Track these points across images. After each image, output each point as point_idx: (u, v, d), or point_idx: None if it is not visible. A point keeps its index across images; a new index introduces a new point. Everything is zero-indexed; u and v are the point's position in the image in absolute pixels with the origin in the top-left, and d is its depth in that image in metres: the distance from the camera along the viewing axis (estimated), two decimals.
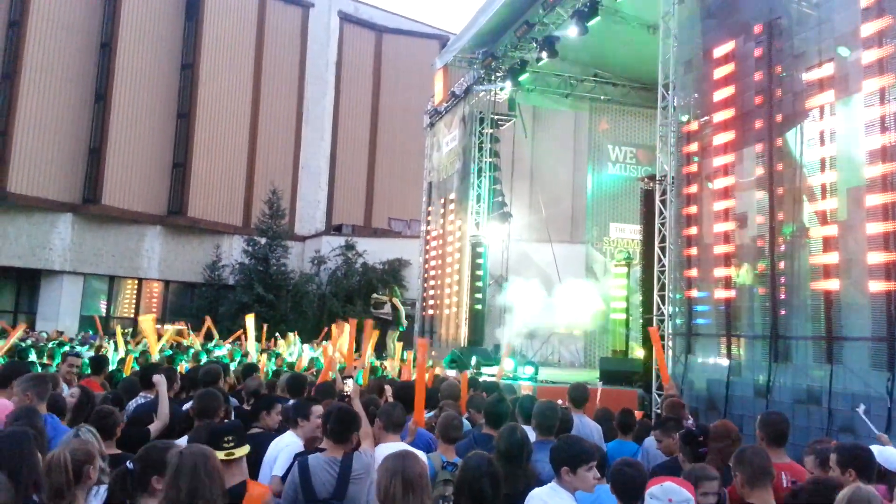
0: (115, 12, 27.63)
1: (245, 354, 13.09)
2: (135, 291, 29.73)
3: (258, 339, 14.93)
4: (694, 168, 10.80)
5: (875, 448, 3.99)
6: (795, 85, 8.97)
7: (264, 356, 11.53)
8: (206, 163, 29.78)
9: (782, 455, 4.29)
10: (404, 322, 17.04)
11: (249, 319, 13.91)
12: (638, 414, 6.95)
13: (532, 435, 4.70)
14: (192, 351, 12.19)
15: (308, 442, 4.60)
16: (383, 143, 34.96)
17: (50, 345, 13.48)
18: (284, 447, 4.51)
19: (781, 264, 8.94)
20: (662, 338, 10.91)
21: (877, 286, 7.45)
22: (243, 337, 15.87)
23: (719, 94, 10.25)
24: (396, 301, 16.68)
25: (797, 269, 8.66)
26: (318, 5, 34.25)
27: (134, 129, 27.94)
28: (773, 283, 8.94)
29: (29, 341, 15.10)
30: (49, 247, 26.46)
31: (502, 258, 19.52)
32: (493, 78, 18.87)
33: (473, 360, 14.36)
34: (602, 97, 19.62)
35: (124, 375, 8.44)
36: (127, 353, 10.93)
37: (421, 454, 4.29)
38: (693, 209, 10.69)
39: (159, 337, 12.16)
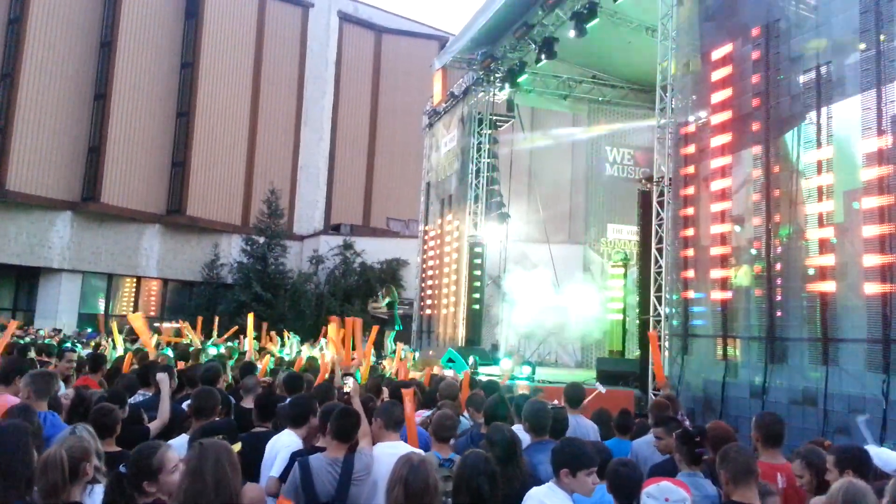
0: (115, 11, 27.66)
1: (243, 353, 13.10)
2: (133, 289, 29.77)
3: (257, 339, 14.94)
4: (691, 170, 10.83)
5: (872, 449, 4.02)
6: (792, 88, 9.01)
7: (267, 356, 11.53)
8: (205, 162, 29.82)
9: (778, 456, 4.32)
10: (400, 323, 17.06)
11: (250, 318, 13.92)
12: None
13: (526, 436, 4.74)
14: (191, 349, 12.22)
15: (306, 441, 4.62)
16: (382, 143, 35.01)
17: (47, 341, 13.52)
18: (283, 447, 4.49)
19: (778, 266, 8.97)
20: (659, 338, 10.96)
21: (872, 288, 7.48)
22: (241, 335, 15.90)
23: (717, 97, 10.29)
24: (393, 301, 16.70)
25: (793, 270, 8.70)
26: (317, 5, 34.29)
27: (133, 128, 27.98)
28: (770, 285, 8.98)
29: (28, 338, 15.12)
30: (48, 245, 26.49)
31: (500, 258, 19.56)
32: (491, 79, 18.91)
33: (471, 360, 14.39)
34: (600, 98, 19.66)
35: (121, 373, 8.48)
36: (125, 350, 10.94)
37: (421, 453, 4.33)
38: (690, 211, 10.72)
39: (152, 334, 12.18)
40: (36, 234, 26.23)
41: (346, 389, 5.12)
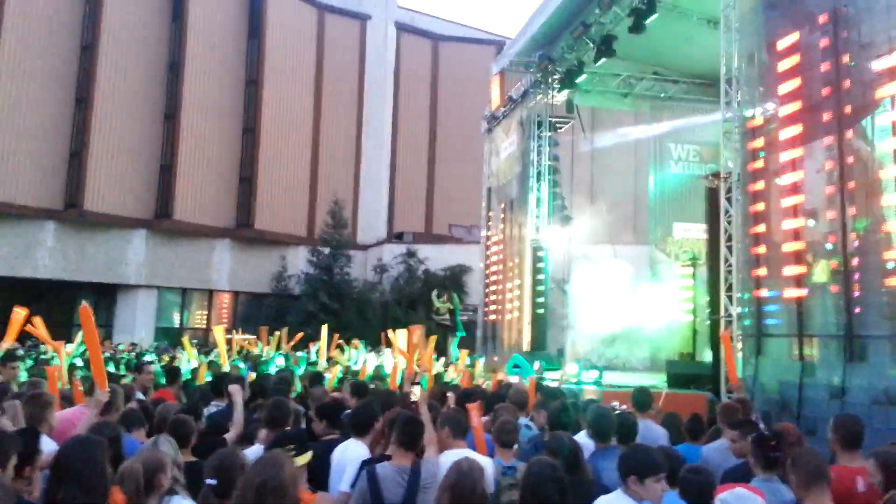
0: (180, 32, 28.63)
1: (313, 363, 13.32)
2: (206, 303, 30.65)
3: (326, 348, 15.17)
4: (760, 164, 10.51)
5: None
6: (865, 75, 8.65)
7: (336, 366, 11.69)
8: (270, 176, 30.52)
9: (857, 459, 4.14)
10: (464, 328, 17.03)
11: (324, 329, 14.09)
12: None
13: (590, 442, 4.67)
14: (263, 359, 12.52)
15: (372, 449, 4.65)
16: (442, 150, 35.16)
17: (125, 356, 14.04)
18: (351, 460, 4.49)
19: (855, 261, 8.61)
20: (731, 339, 10.66)
21: None
22: (311, 345, 16.17)
23: (784, 87, 9.95)
24: (452, 307, 16.71)
25: (871, 265, 8.33)
26: (375, 17, 34.74)
27: (203, 146, 28.88)
28: (847, 281, 8.62)
29: (107, 353, 15.74)
30: (125, 262, 27.54)
31: (564, 261, 19.36)
32: (549, 81, 18.78)
33: (537, 365, 14.28)
34: (662, 95, 19.28)
35: (197, 384, 8.74)
36: (199, 362, 11.26)
37: (485, 460, 4.31)
38: (760, 206, 10.39)
39: (230, 346, 12.50)
40: (113, 252, 27.28)
41: (413, 398, 5.14)
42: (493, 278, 21.30)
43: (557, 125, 19.50)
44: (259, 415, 5.47)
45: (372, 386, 7.75)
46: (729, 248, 10.99)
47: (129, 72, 27.61)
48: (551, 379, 12.27)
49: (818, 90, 9.34)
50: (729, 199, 10.99)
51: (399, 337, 11.05)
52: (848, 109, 8.85)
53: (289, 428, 5.03)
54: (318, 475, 4.40)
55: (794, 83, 9.81)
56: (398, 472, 4.00)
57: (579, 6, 15.77)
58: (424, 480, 3.95)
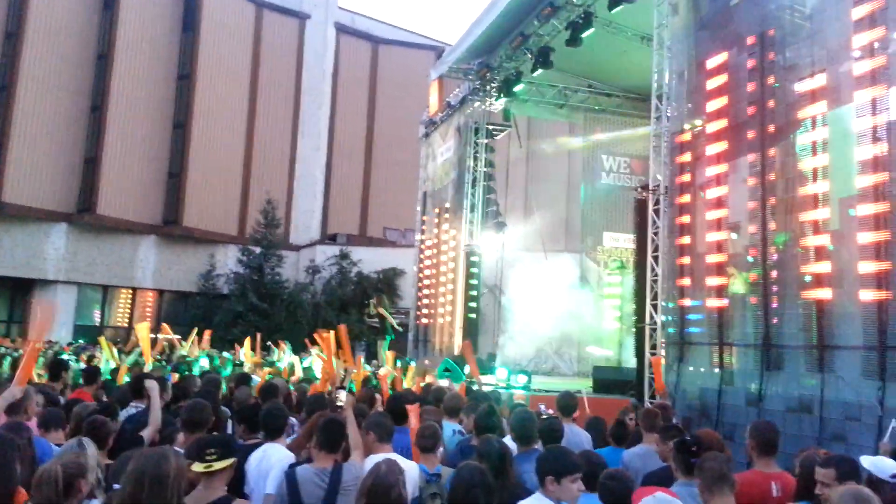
0: (111, 23, 27.73)
1: (238, 364, 13.04)
2: (129, 301, 29.68)
3: (252, 349, 14.89)
4: (687, 178, 10.83)
5: (866, 459, 3.99)
6: (788, 96, 9.01)
7: (265, 369, 11.44)
8: (201, 172, 29.81)
9: (772, 464, 4.28)
10: (392, 331, 16.96)
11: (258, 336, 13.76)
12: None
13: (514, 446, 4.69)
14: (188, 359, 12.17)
15: (294, 452, 4.58)
16: (379, 153, 35.04)
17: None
18: (277, 462, 4.40)
19: (774, 273, 8.95)
20: (654, 346, 10.94)
21: (868, 295, 7.46)
22: (238, 346, 15.84)
23: (712, 105, 10.29)
24: (383, 310, 16.64)
25: (789, 278, 8.68)
26: (314, 17, 34.40)
27: (129, 139, 27.99)
28: (766, 292, 8.95)
29: (21, 351, 15.02)
30: (43, 256, 26.44)
31: (496, 267, 19.53)
32: (487, 89, 18.95)
33: (467, 369, 14.31)
34: (596, 107, 19.71)
35: (118, 385, 8.40)
36: (119, 363, 10.86)
37: (409, 464, 4.28)
38: (686, 219, 10.71)
39: (154, 345, 12.09)
40: (31, 245, 26.18)
41: (340, 402, 5.06)
42: (426, 282, 21.32)
43: (494, 132, 19.69)
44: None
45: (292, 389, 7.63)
46: (655, 259, 11.27)
47: (55, 62, 26.55)
48: (485, 383, 12.31)
49: (744, 109, 9.69)
50: (657, 211, 11.28)
51: (325, 339, 10.89)
52: (771, 128, 9.20)
53: (209, 431, 4.89)
54: (240, 482, 4.30)
55: (722, 101, 10.15)
56: (318, 475, 3.94)
57: (519, 17, 15.96)
58: (346, 483, 3.90)
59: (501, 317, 19.35)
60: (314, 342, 13.48)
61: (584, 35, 14.33)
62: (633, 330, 13.17)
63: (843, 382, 7.61)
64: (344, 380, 7.24)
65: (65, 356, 13.38)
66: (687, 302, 10.52)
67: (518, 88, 17.98)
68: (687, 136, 10.92)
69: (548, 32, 15.63)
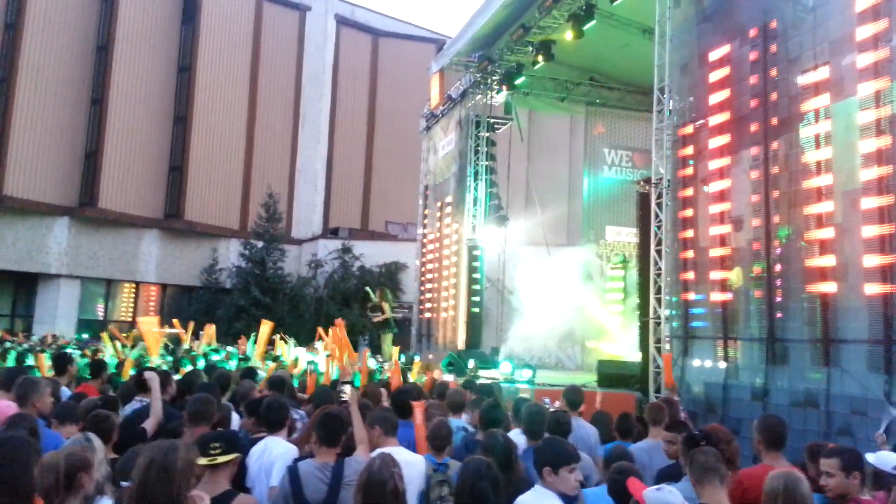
0: (111, 15, 27.64)
1: (244, 358, 13.05)
2: (132, 295, 29.73)
3: (254, 342, 14.88)
4: (689, 171, 10.81)
5: (871, 455, 4.00)
6: (791, 88, 8.98)
7: (273, 364, 11.43)
8: (202, 166, 29.79)
9: (780, 459, 4.29)
10: (394, 326, 16.98)
11: (264, 326, 13.69)
12: None
13: (523, 440, 4.70)
14: (192, 354, 12.18)
15: (297, 447, 4.59)
16: (380, 147, 34.99)
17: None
18: (279, 455, 4.45)
19: (777, 267, 8.94)
20: (659, 341, 10.94)
21: (873, 289, 7.46)
22: (241, 340, 15.85)
23: (715, 98, 10.26)
24: (385, 305, 16.63)
25: (793, 271, 8.67)
26: (314, 9, 34.30)
27: (130, 133, 27.95)
28: (770, 286, 8.95)
29: (25, 345, 15.08)
30: (46, 250, 26.44)
31: (499, 261, 19.53)
32: (489, 82, 18.90)
33: (471, 364, 14.35)
34: (598, 101, 19.65)
35: (123, 380, 8.43)
36: (124, 357, 10.88)
37: (415, 457, 4.29)
38: (689, 212, 10.70)
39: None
40: (33, 239, 26.18)
41: (344, 397, 5.08)
42: (429, 276, 21.31)
43: (495, 126, 19.65)
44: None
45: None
46: (658, 252, 11.25)
47: (57, 56, 26.51)
48: (486, 377, 12.33)
49: (746, 102, 9.66)
50: (659, 205, 11.26)
51: (334, 333, 10.92)
52: (774, 121, 9.18)
53: (213, 425, 4.89)
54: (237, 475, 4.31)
55: (724, 94, 10.12)
56: (320, 469, 3.95)
57: (520, 9, 15.90)
58: (348, 477, 3.90)
59: (504, 311, 19.36)
60: (317, 337, 13.49)
61: (585, 27, 14.27)
62: (637, 324, 13.17)
63: (848, 376, 7.61)
64: (349, 374, 7.26)
65: (69, 350, 13.41)
66: (691, 296, 10.51)
67: (519, 81, 17.93)
68: (689, 130, 10.89)
69: (549, 24, 15.56)
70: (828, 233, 8.25)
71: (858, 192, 7.81)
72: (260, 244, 29.07)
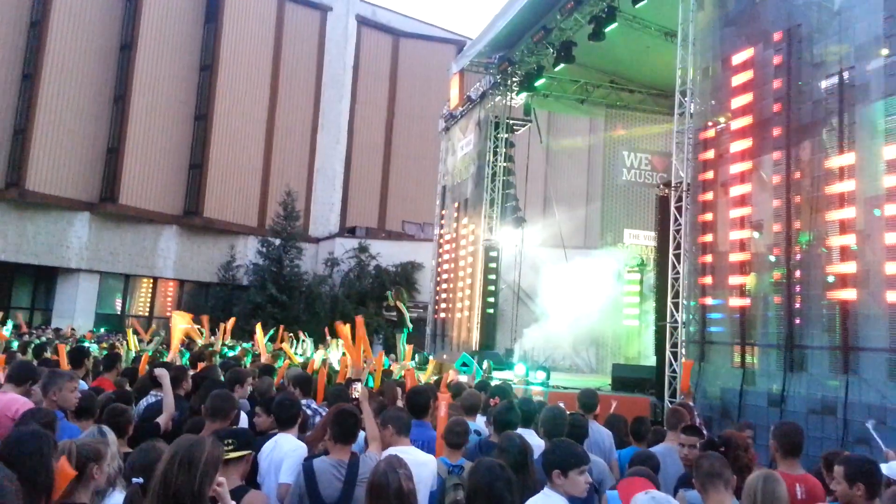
0: (135, 14, 27.89)
1: (257, 355, 13.09)
2: (150, 290, 29.97)
3: (272, 340, 14.95)
4: (710, 175, 10.73)
5: (885, 466, 3.94)
6: (815, 93, 8.89)
7: (286, 361, 11.46)
8: (222, 164, 29.98)
9: (797, 466, 4.24)
10: (409, 324, 16.96)
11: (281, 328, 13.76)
12: None
13: (540, 442, 4.67)
14: (209, 349, 12.23)
15: (311, 445, 4.59)
16: (398, 147, 35.05)
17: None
18: (290, 451, 4.45)
19: (797, 273, 8.85)
20: (675, 345, 10.86)
21: (894, 297, 7.36)
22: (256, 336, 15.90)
23: (737, 102, 10.18)
24: (400, 304, 16.64)
25: (813, 278, 8.58)
26: (336, 9, 34.42)
27: (152, 130, 28.19)
28: (789, 292, 8.86)
29: (44, 338, 15.24)
30: (66, 245, 26.71)
31: (515, 263, 19.48)
32: (508, 83, 18.88)
33: (485, 364, 14.32)
34: (618, 103, 19.57)
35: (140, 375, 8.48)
36: (141, 351, 10.97)
37: (426, 457, 4.28)
38: (709, 216, 10.61)
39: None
40: (54, 233, 26.46)
41: (355, 395, 5.08)
42: (445, 276, 21.32)
43: (514, 127, 19.62)
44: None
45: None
46: (677, 256, 11.17)
47: (81, 54, 26.81)
48: (500, 378, 12.29)
49: (769, 106, 9.58)
50: (679, 209, 11.18)
51: (345, 330, 10.91)
52: (797, 126, 9.09)
53: (231, 420, 4.90)
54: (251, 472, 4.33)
55: (747, 98, 10.04)
56: (335, 467, 3.95)
57: (541, 11, 15.86)
58: (363, 475, 3.90)
59: (520, 312, 19.31)
60: (333, 334, 13.52)
61: (607, 29, 14.20)
62: (653, 328, 13.09)
63: (867, 385, 7.51)
64: (363, 372, 7.26)
65: (86, 344, 13.54)
66: (708, 300, 10.43)
67: (539, 83, 17.90)
68: (711, 133, 10.81)
69: (570, 26, 15.52)
70: (849, 239, 8.15)
71: (881, 198, 7.72)
72: (277, 242, 29.23)
